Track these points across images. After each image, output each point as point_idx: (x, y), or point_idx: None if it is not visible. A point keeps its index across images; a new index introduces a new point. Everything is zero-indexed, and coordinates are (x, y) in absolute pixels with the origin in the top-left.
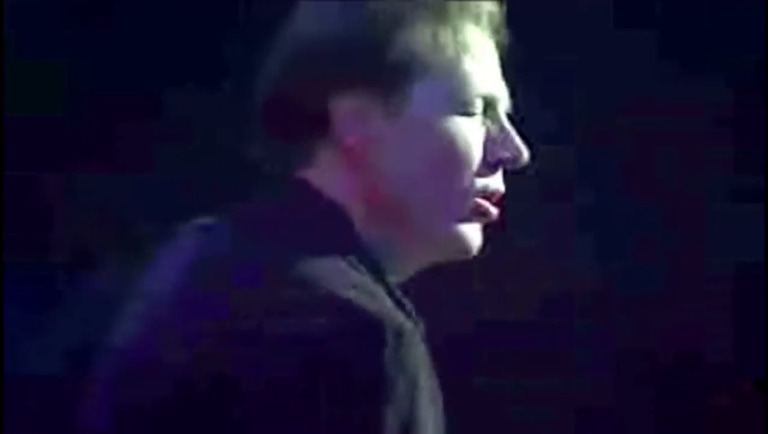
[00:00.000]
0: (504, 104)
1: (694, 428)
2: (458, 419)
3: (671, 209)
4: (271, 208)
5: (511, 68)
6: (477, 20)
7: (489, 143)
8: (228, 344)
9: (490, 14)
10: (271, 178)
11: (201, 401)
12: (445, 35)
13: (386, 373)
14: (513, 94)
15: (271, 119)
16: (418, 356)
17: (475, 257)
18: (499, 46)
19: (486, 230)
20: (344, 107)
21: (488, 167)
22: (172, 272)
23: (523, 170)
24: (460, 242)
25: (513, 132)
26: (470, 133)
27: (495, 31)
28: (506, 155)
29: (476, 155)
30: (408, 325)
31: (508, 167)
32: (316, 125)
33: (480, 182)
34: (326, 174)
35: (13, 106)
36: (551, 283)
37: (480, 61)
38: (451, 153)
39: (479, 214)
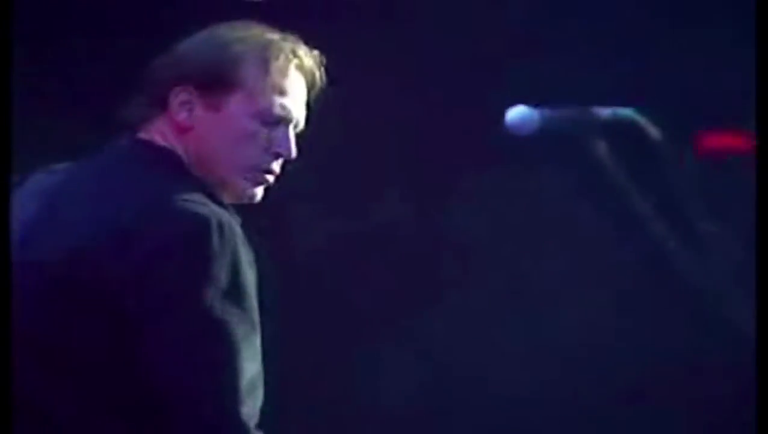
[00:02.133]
0: (299, 126)
1: (694, 427)
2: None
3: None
4: (122, 152)
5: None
6: (299, 69)
7: (275, 141)
8: (101, 245)
9: (310, 68)
10: (122, 135)
11: (83, 290)
12: (269, 70)
13: (215, 247)
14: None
15: (142, 92)
16: (237, 235)
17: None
18: (314, 91)
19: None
20: (179, 97)
21: (271, 155)
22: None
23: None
24: (243, 192)
25: (293, 140)
26: (261, 133)
27: (311, 80)
28: (282, 150)
29: (260, 145)
30: (228, 217)
31: (283, 158)
32: (161, 103)
33: (263, 163)
34: (162, 135)
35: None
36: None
37: (290, 94)
38: (244, 140)
39: (259, 180)
